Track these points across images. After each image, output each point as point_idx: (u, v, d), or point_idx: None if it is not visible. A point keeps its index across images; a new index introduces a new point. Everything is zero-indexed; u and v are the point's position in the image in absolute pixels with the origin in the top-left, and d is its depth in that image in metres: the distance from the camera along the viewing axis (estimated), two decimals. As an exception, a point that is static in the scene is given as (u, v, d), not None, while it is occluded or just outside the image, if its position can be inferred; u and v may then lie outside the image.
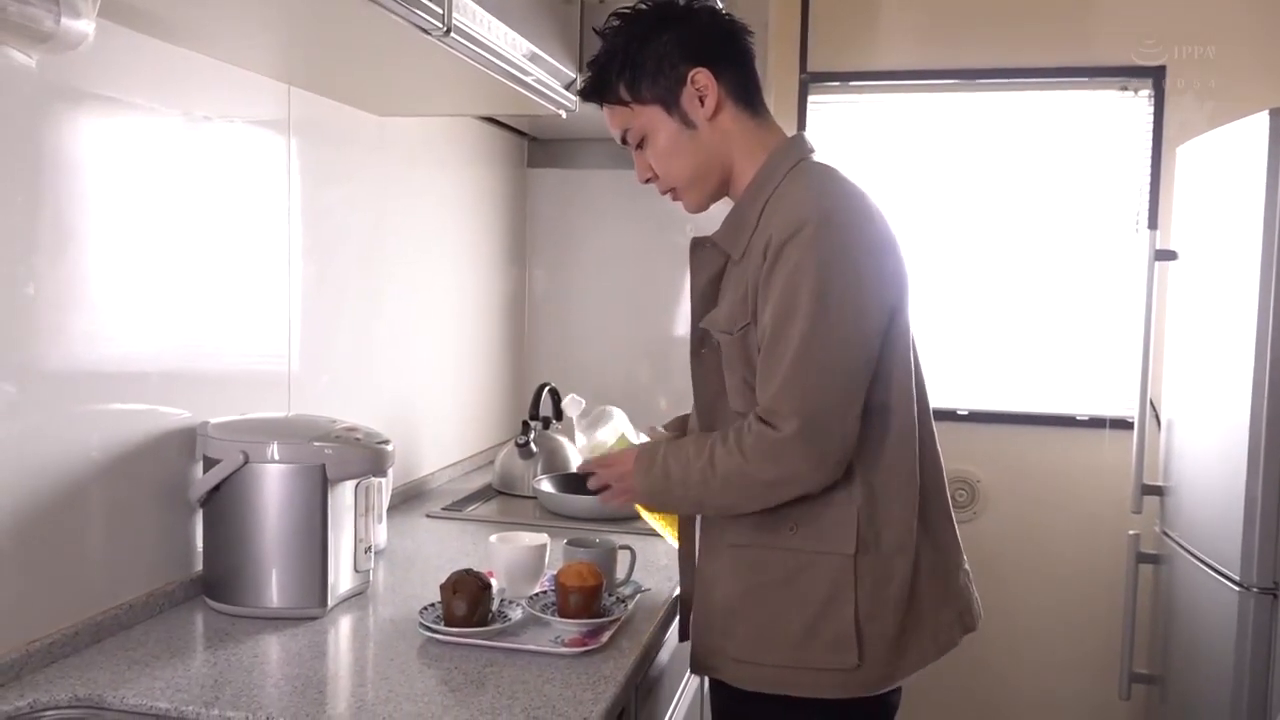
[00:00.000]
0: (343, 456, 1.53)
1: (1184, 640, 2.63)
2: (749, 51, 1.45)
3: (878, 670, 1.36)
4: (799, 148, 1.43)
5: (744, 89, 1.43)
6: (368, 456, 1.57)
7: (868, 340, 1.32)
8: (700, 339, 1.46)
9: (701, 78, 1.39)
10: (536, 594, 1.55)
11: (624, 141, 1.47)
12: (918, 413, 1.40)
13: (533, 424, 2.47)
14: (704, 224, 1.54)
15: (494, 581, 1.52)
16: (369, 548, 1.63)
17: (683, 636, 1.55)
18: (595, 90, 1.45)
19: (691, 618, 1.50)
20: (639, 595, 1.60)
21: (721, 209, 1.48)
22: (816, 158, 1.43)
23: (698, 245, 1.46)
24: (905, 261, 1.38)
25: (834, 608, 1.34)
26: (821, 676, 1.36)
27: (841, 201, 1.34)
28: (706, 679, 1.55)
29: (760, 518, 1.38)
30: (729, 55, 1.42)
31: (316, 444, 1.52)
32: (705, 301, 1.45)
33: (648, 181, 1.47)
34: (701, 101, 1.39)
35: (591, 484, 1.49)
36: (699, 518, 1.50)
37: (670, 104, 1.40)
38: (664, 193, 1.48)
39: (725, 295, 1.42)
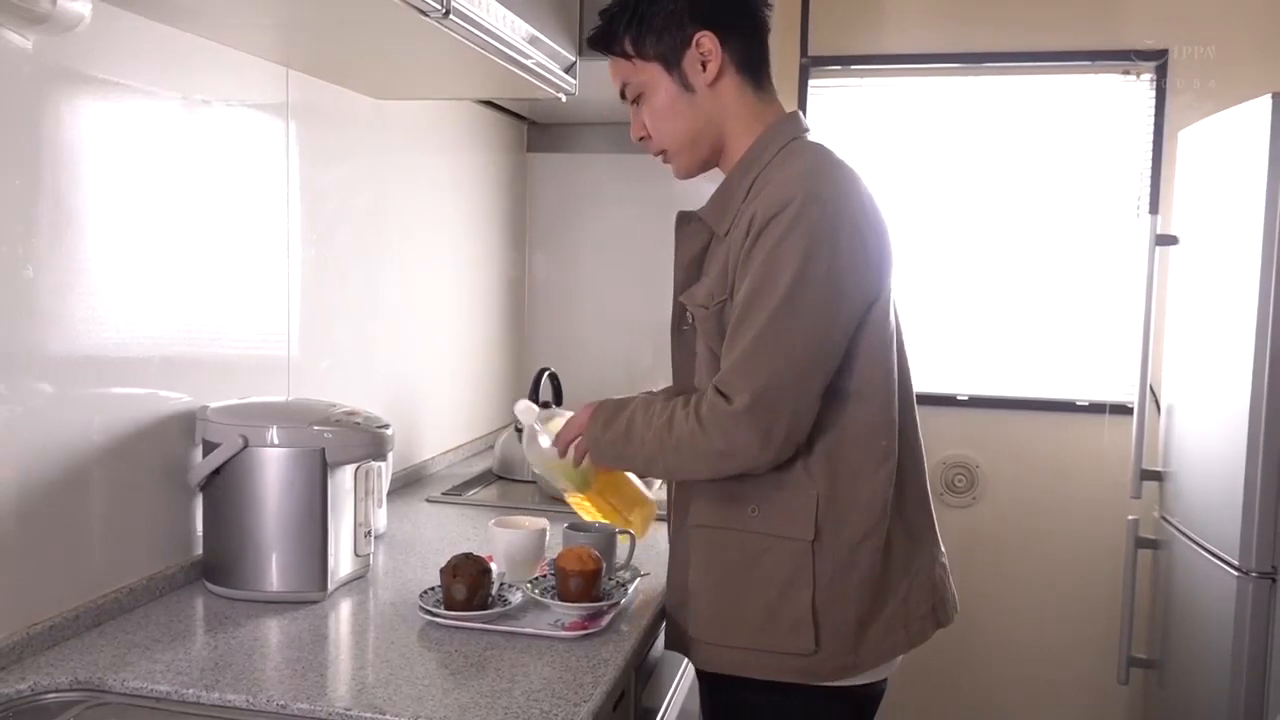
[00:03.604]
0: (342, 440, 1.53)
1: (1183, 625, 2.64)
2: (763, 23, 1.43)
3: (838, 659, 1.35)
4: (793, 126, 1.41)
5: (750, 60, 1.41)
6: (367, 440, 1.57)
7: (838, 326, 1.31)
8: (680, 315, 1.46)
9: (707, 42, 1.37)
10: (536, 578, 1.55)
11: (622, 96, 1.45)
12: (899, 399, 1.38)
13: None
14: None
15: (494, 566, 1.52)
16: (369, 532, 1.63)
17: None
18: (601, 40, 1.44)
19: (665, 598, 1.51)
20: (638, 579, 1.61)
21: (708, 184, 1.47)
22: (811, 137, 1.41)
23: (683, 220, 1.46)
24: (892, 245, 1.36)
25: (792, 592, 1.34)
26: (782, 660, 1.35)
27: (829, 182, 1.32)
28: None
29: (722, 498, 1.38)
30: (740, 23, 1.40)
31: (316, 428, 1.52)
32: (688, 277, 1.44)
33: (640, 140, 1.46)
34: (704, 66, 1.38)
35: (576, 448, 1.47)
36: (671, 500, 1.49)
37: (671, 64, 1.38)
38: (655, 154, 1.47)
39: (708, 271, 1.41)
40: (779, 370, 1.28)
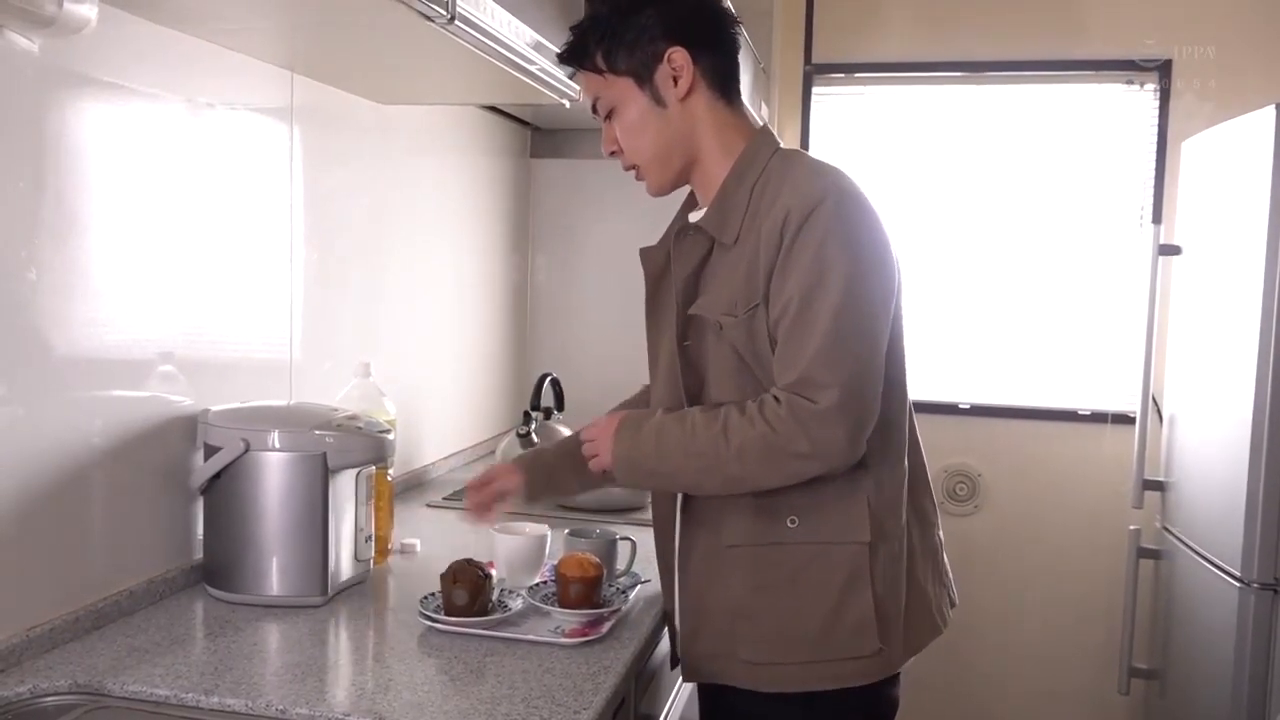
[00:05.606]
0: (344, 445, 1.53)
1: (1184, 636, 2.63)
2: (734, 41, 1.43)
3: (895, 650, 1.37)
4: (773, 138, 1.43)
5: (722, 77, 1.41)
6: (369, 445, 1.57)
7: (888, 314, 1.33)
8: (685, 329, 1.41)
9: (678, 57, 1.37)
10: (537, 584, 1.55)
11: (594, 110, 1.45)
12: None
13: (534, 414, 2.47)
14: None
15: (494, 571, 1.52)
16: (369, 537, 1.63)
17: (674, 659, 1.50)
18: (573, 55, 1.43)
19: (679, 624, 1.46)
20: (639, 586, 1.60)
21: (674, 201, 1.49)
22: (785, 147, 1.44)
23: (682, 233, 1.42)
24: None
25: (852, 596, 1.33)
26: (845, 666, 1.35)
27: (847, 178, 1.34)
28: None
29: (757, 514, 1.35)
30: (711, 40, 1.40)
31: (317, 432, 1.51)
32: (689, 291, 1.41)
33: (611, 154, 1.45)
34: (675, 81, 1.38)
35: (586, 450, 1.45)
36: (678, 524, 1.45)
37: (643, 79, 1.38)
38: (627, 169, 1.46)
39: (711, 282, 1.39)
40: (858, 363, 1.28)
